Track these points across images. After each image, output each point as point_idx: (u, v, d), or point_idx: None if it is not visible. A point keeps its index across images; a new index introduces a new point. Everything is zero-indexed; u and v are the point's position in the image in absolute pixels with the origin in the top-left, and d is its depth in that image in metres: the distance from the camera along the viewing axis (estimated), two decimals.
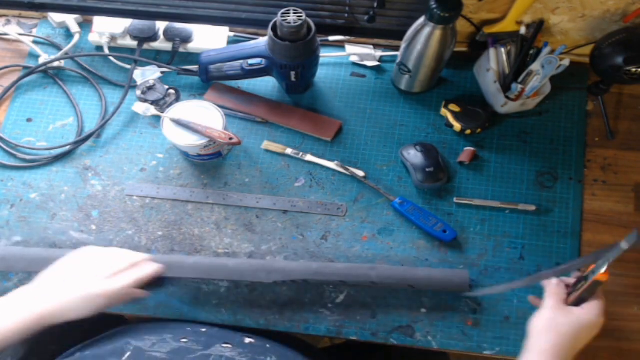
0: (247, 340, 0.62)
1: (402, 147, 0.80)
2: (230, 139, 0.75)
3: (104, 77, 0.87)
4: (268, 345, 0.63)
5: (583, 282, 0.60)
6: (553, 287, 0.62)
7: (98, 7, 0.84)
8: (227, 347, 0.59)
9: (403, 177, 0.80)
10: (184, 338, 0.59)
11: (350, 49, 0.88)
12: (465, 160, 0.79)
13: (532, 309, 0.73)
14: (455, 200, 0.79)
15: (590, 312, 0.60)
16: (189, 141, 0.74)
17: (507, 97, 0.79)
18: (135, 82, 0.84)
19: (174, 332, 0.60)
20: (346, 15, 0.82)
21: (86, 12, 0.86)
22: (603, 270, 0.58)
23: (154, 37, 0.87)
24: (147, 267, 0.66)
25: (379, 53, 0.88)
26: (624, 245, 0.57)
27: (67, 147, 0.82)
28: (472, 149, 0.80)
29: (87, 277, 0.62)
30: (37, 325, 0.57)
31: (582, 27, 0.80)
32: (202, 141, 0.74)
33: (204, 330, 0.63)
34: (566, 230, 0.77)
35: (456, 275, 0.71)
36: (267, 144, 0.82)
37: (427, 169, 0.77)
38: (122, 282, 0.63)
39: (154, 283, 0.68)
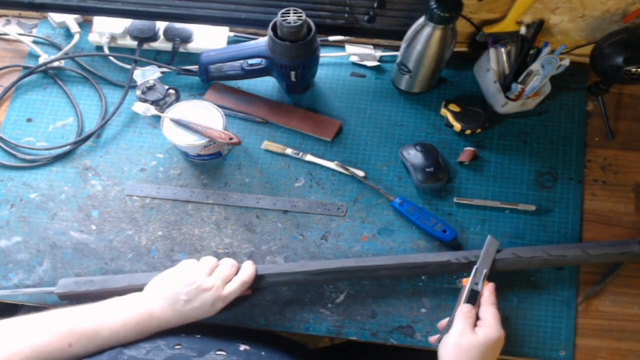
0: (242, 347, 0.62)
1: (402, 147, 0.80)
2: (230, 139, 0.75)
3: (104, 77, 0.87)
4: (263, 353, 0.63)
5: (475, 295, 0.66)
6: (465, 312, 0.63)
7: (98, 7, 0.84)
8: (222, 354, 0.59)
9: (403, 177, 0.80)
10: (178, 345, 0.59)
11: (350, 49, 0.88)
12: (465, 160, 0.79)
13: (533, 309, 0.73)
14: (455, 200, 0.78)
15: (492, 329, 0.61)
16: (189, 141, 0.74)
17: (507, 97, 0.79)
18: (135, 82, 0.84)
19: (167, 340, 0.60)
20: (346, 15, 0.82)
21: (86, 12, 0.86)
22: (483, 280, 0.66)
23: (154, 37, 0.87)
24: (248, 268, 0.69)
25: (379, 53, 0.88)
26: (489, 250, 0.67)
27: (67, 147, 0.82)
28: (472, 149, 0.80)
29: (203, 285, 0.65)
30: (154, 328, 0.62)
31: (582, 27, 0.80)
32: (202, 141, 0.74)
33: (198, 337, 0.63)
34: (566, 230, 0.77)
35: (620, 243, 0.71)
36: (267, 144, 0.82)
37: (427, 169, 0.77)
38: (235, 285, 0.67)
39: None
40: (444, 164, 0.79)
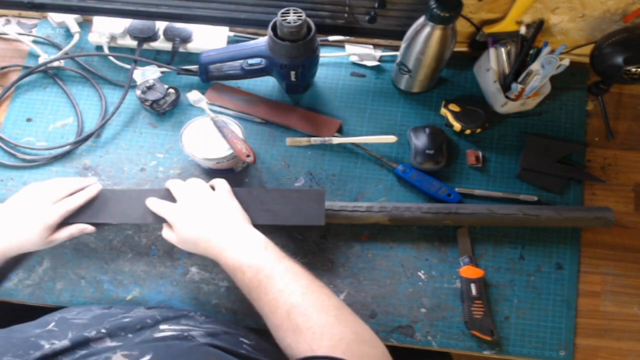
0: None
1: (411, 128, 0.81)
2: (248, 156, 0.72)
3: (104, 77, 0.87)
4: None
5: None
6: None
7: (98, 7, 0.84)
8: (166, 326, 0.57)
9: (406, 169, 0.80)
10: (110, 308, 0.61)
11: (350, 49, 0.88)
12: (475, 164, 0.79)
13: (533, 309, 0.73)
14: (456, 190, 0.78)
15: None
16: (207, 155, 0.72)
17: (507, 97, 0.79)
18: (135, 81, 0.84)
19: (103, 308, 0.62)
20: (346, 15, 0.82)
21: (86, 12, 0.86)
22: None
23: (153, 37, 0.87)
24: (83, 195, 0.68)
25: (379, 53, 0.88)
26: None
27: (67, 147, 0.82)
28: (474, 150, 0.80)
29: (29, 209, 0.64)
30: None
31: (582, 27, 0.80)
32: (222, 155, 0.72)
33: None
34: (566, 230, 0.77)
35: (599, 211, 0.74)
36: (291, 141, 0.81)
37: (428, 151, 0.77)
38: (59, 211, 0.65)
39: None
40: (448, 150, 0.79)
